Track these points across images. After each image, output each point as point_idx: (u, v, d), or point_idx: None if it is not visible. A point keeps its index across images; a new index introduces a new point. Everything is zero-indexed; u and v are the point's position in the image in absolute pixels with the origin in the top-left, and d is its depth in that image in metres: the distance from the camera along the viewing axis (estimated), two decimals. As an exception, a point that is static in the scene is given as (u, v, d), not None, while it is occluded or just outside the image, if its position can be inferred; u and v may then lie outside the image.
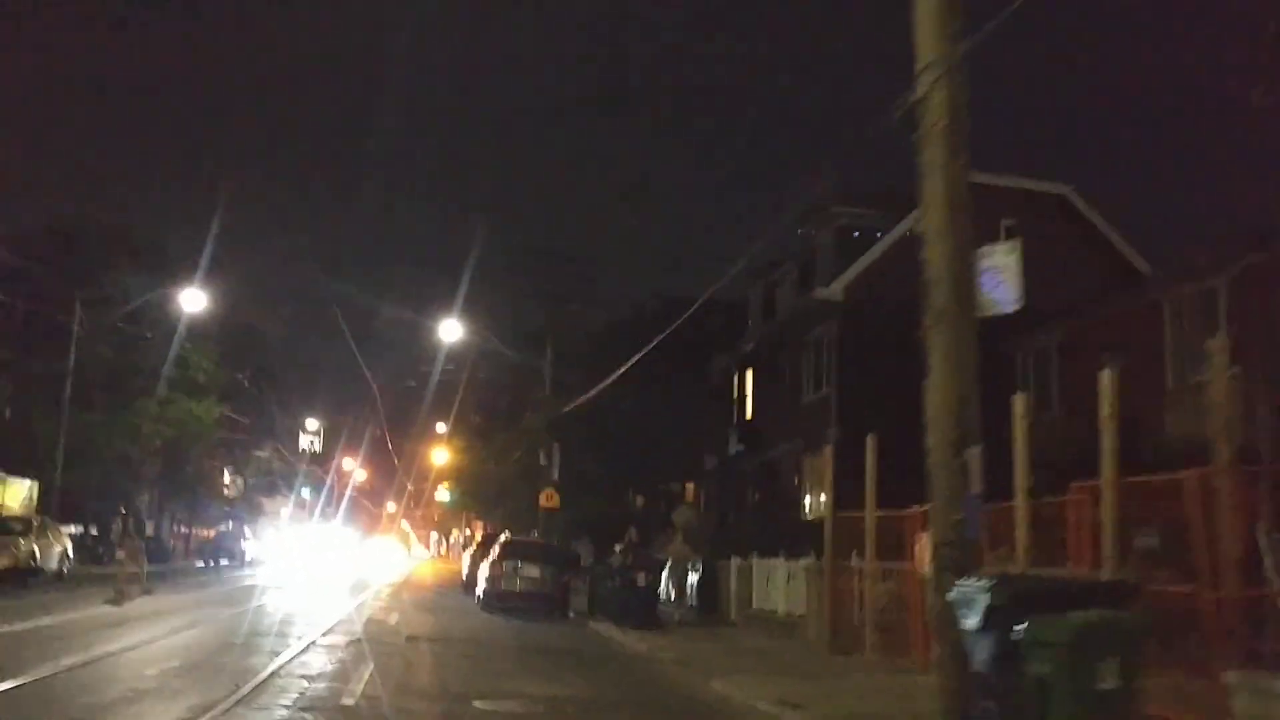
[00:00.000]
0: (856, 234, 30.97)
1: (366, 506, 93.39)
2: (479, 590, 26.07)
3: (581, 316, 40.65)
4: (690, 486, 42.87)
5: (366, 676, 12.07)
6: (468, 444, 62.07)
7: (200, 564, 47.49)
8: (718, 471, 39.72)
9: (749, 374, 37.47)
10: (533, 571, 24.80)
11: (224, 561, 48.25)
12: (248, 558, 50.65)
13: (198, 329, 39.17)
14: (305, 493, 69.80)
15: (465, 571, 32.97)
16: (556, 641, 18.80)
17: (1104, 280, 29.61)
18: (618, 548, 22.25)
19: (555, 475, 36.92)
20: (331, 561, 55.80)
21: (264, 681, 11.24)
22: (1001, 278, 9.35)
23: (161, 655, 13.36)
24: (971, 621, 7.24)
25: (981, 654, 7.26)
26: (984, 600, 7.15)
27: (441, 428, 62.14)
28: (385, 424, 58.31)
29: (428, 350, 40.16)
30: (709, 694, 12.98)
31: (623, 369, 30.09)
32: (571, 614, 25.18)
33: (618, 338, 34.93)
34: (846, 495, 30.34)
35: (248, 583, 33.88)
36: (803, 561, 18.90)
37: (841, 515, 17.59)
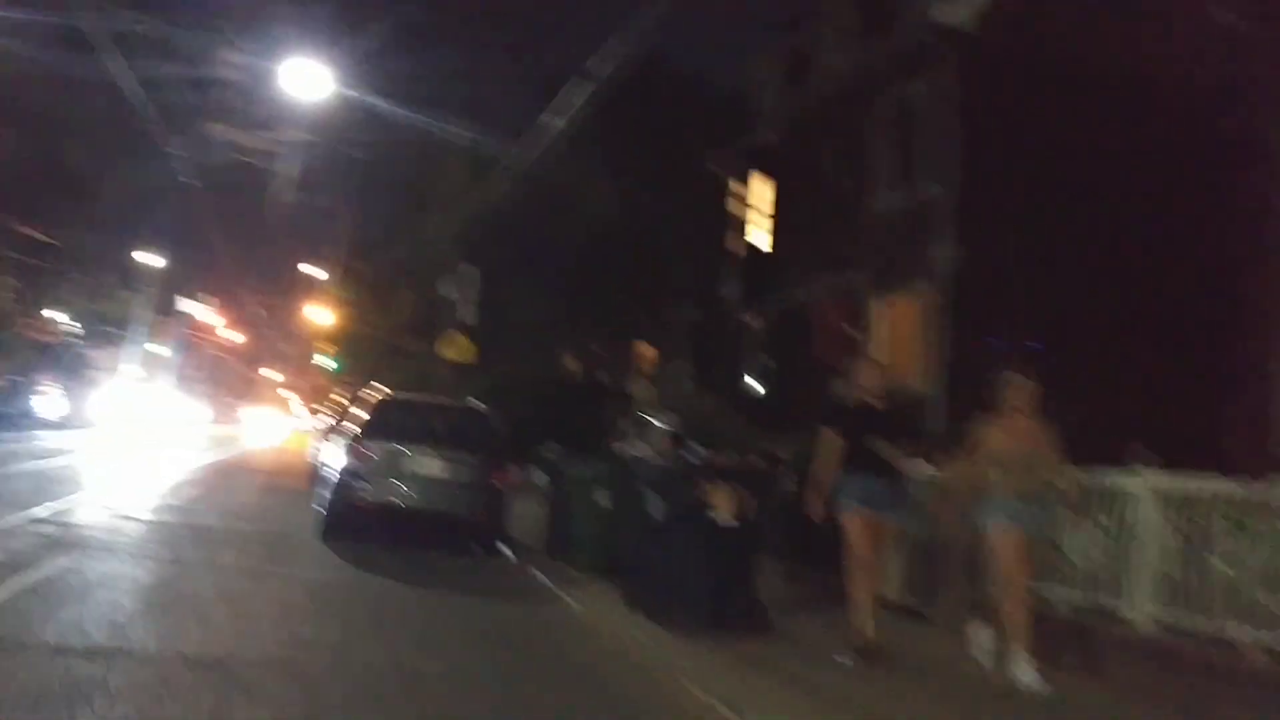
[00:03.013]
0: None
1: (239, 371, 78.70)
2: (323, 498, 12.50)
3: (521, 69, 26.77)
4: (650, 352, 29.41)
5: None
6: (353, 299, 48.06)
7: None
8: (699, 327, 26.39)
9: (756, 180, 24.17)
10: (432, 464, 11.49)
11: (13, 425, 34.20)
12: (37, 417, 36.25)
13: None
14: (151, 348, 54.83)
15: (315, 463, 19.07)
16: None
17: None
18: (658, 423, 9.08)
19: (468, 319, 23.20)
20: (167, 431, 41.78)
21: None
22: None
23: None
24: None
25: None
26: None
27: (310, 271, 47.44)
28: (222, 242, 43.04)
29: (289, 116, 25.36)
30: None
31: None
32: (506, 549, 12.02)
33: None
34: (967, 362, 17.60)
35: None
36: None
37: None
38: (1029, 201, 15.97)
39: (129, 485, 15.98)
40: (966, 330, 16.51)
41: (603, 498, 9.94)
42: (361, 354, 48.90)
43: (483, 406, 13.04)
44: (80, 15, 19.63)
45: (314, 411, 68.19)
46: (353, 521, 11.53)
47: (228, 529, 11.88)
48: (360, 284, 44.75)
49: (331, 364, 56.57)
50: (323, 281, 48.07)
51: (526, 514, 12.41)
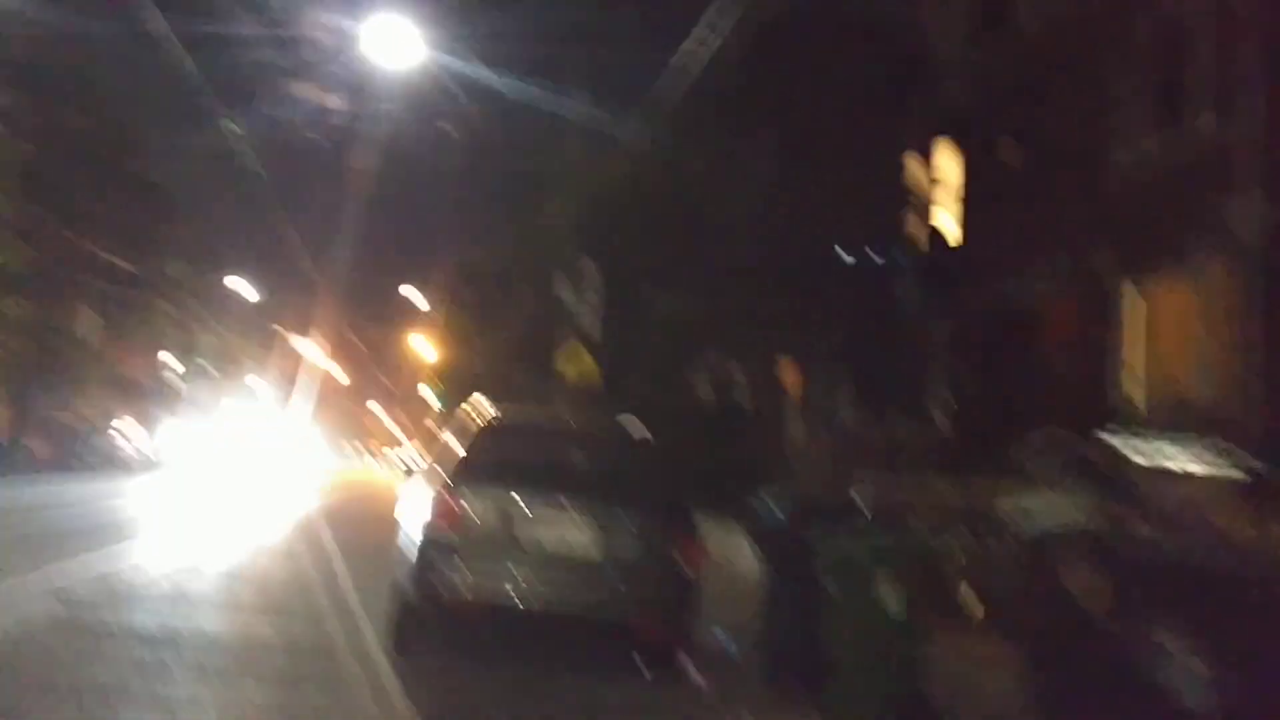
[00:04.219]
0: None
1: (343, 406, 75.60)
2: (404, 586, 7.58)
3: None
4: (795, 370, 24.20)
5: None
6: (456, 323, 44.18)
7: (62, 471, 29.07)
8: (854, 339, 21.21)
9: (940, 151, 19.41)
10: (571, 531, 6.78)
11: (89, 468, 30.47)
12: (117, 459, 32.76)
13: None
14: (250, 383, 51.77)
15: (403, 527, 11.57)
16: None
17: None
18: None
19: (589, 329, 18.73)
20: (256, 473, 37.85)
21: None
22: None
23: None
24: None
25: None
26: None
27: (411, 295, 43.58)
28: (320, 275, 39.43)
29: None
30: None
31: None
32: (695, 671, 7.16)
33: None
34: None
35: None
36: None
37: None
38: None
39: (147, 550, 11.73)
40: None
41: (895, 598, 5.20)
42: (467, 385, 44.53)
43: (645, 431, 8.15)
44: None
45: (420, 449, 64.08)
46: (433, 630, 6.95)
47: (242, 636, 7.44)
48: (464, 305, 40.72)
49: (435, 400, 52.47)
50: (424, 308, 44.29)
51: (717, 602, 7.68)
